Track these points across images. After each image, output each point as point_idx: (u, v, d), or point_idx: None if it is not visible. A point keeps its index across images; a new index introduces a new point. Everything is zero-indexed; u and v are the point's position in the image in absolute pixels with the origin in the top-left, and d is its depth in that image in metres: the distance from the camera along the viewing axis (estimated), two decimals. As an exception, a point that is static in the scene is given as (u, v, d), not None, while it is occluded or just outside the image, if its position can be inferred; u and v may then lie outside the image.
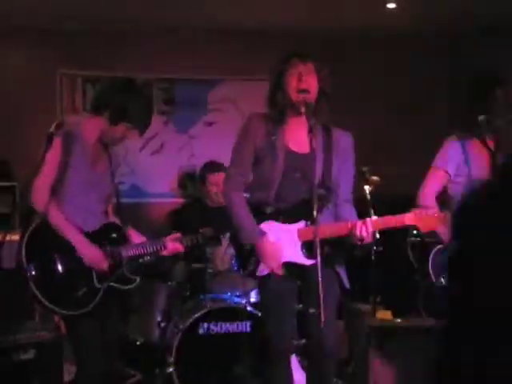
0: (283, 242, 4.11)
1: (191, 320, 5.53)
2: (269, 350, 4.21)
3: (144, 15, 6.99)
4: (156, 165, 7.70)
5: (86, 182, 4.44)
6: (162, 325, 5.80)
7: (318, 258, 3.62)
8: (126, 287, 4.55)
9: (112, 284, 4.46)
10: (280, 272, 4.12)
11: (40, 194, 4.27)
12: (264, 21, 7.14)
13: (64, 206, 4.36)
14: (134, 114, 4.45)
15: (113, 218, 4.70)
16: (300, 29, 7.05)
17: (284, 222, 4.14)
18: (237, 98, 7.77)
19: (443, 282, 4.56)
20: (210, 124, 7.80)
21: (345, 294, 4.36)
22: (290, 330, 4.30)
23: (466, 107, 4.71)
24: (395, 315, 5.88)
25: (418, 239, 4.79)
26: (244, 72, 7.64)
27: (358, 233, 3.94)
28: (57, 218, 4.31)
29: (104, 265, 4.39)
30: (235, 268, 5.69)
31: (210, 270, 5.92)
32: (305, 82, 4.05)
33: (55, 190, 4.33)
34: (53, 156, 4.26)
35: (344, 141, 4.26)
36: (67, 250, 4.32)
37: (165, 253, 4.69)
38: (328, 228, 4.02)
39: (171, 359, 5.47)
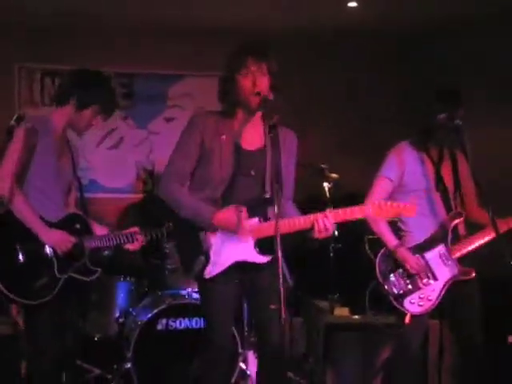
0: (234, 241, 4.04)
1: (150, 316, 5.52)
2: (209, 349, 4.18)
3: (104, 10, 6.93)
4: (114, 160, 7.66)
5: (50, 173, 4.46)
6: (121, 320, 5.77)
7: (279, 253, 3.55)
8: (88, 278, 4.55)
9: (72, 275, 4.46)
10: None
11: (3, 183, 4.25)
12: (223, 18, 7.12)
13: (28, 196, 4.38)
14: (100, 96, 4.52)
15: (74, 210, 4.70)
16: (259, 26, 7.04)
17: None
18: (196, 94, 7.75)
19: (389, 283, 4.61)
20: (170, 120, 7.78)
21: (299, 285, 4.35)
22: (231, 330, 4.39)
23: (421, 109, 4.77)
24: (353, 312, 5.94)
25: (376, 236, 4.82)
26: (203, 68, 7.61)
27: (320, 225, 3.88)
28: (20, 207, 4.31)
29: (68, 245, 4.41)
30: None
31: (168, 266, 5.90)
32: (258, 85, 3.99)
33: (19, 180, 4.34)
34: (16, 146, 4.26)
35: (290, 140, 4.23)
36: (29, 239, 4.33)
37: (130, 247, 4.71)
38: (287, 223, 3.97)
39: (129, 355, 5.45)
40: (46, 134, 4.39)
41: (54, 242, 4.39)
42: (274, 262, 3.85)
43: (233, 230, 4.00)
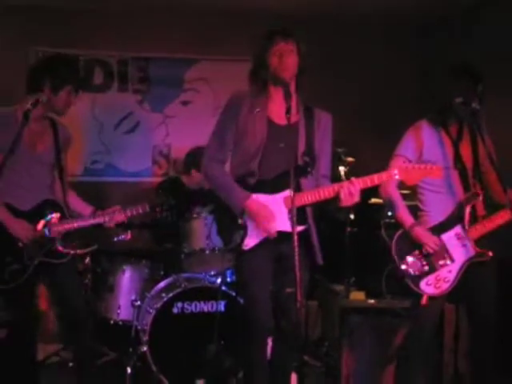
0: (271, 210, 4.18)
1: (165, 299, 5.52)
2: (247, 326, 4.24)
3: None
4: (131, 143, 7.65)
5: (20, 162, 4.60)
6: (136, 304, 5.78)
7: (295, 228, 3.68)
8: (58, 261, 4.75)
9: (43, 259, 4.68)
10: (274, 234, 4.16)
11: None
12: (239, 2, 7.10)
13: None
14: (71, 76, 4.77)
15: (59, 193, 4.87)
16: (273, 9, 7.01)
17: (269, 192, 4.22)
18: (212, 78, 7.73)
19: (406, 265, 4.60)
20: (186, 103, 7.75)
21: (316, 269, 4.41)
22: (269, 308, 4.32)
23: (439, 90, 4.75)
24: (368, 296, 5.93)
25: (393, 220, 4.81)
26: (219, 52, 7.60)
27: (346, 191, 4.04)
28: None
29: (30, 234, 4.64)
30: (210, 247, 5.69)
31: (184, 250, 5.90)
32: (285, 61, 4.19)
33: None
34: None
35: (325, 120, 4.43)
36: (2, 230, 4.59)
37: (110, 224, 4.91)
38: (314, 193, 4.14)
39: (145, 338, 5.47)
40: (8, 126, 4.50)
41: (17, 232, 4.63)
42: (303, 238, 4.11)
43: (261, 225, 4.16)
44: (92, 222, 4.87)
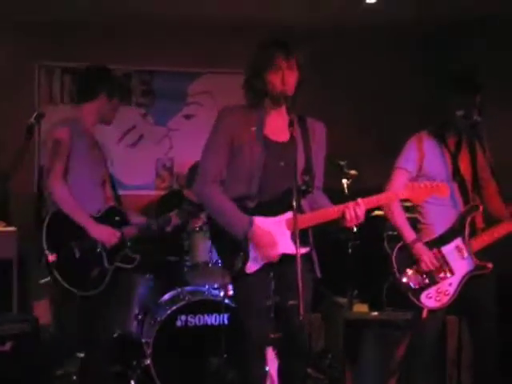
0: (274, 235, 4.05)
1: (169, 312, 5.54)
2: (246, 343, 4.18)
3: (122, 7, 6.96)
4: (134, 157, 7.69)
5: (87, 170, 4.74)
6: (140, 317, 5.80)
7: (298, 249, 3.61)
8: (131, 265, 4.91)
9: (118, 264, 4.80)
10: (276, 259, 4.05)
11: (58, 184, 4.55)
12: (241, 14, 7.13)
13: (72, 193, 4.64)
14: (120, 84, 5.12)
15: (112, 202, 4.99)
16: (276, 22, 7.04)
17: (270, 214, 4.07)
18: (215, 92, 7.76)
19: (406, 278, 4.60)
20: (189, 117, 7.79)
21: (319, 281, 4.32)
22: (267, 324, 4.25)
23: (439, 102, 4.76)
24: (372, 308, 5.93)
25: (396, 233, 4.81)
26: (223, 65, 7.63)
27: (352, 213, 3.95)
28: (69, 205, 4.59)
29: (115, 238, 4.74)
30: (213, 260, 5.71)
31: (187, 263, 5.91)
32: (287, 82, 4.04)
33: (65, 179, 4.62)
34: (64, 146, 4.57)
35: (319, 130, 4.29)
36: (81, 236, 4.64)
37: (169, 229, 5.12)
38: (318, 214, 4.06)
39: (149, 351, 5.48)
40: (79, 133, 4.66)
41: (102, 236, 4.71)
42: (306, 256, 4.04)
43: (263, 252, 4.03)
44: (156, 226, 5.05)
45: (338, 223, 4.05)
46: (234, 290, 4.38)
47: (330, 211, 4.05)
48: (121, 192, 7.45)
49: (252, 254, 4.06)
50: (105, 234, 4.70)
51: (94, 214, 4.74)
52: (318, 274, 4.26)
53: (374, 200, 4.07)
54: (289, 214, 4.00)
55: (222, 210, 4.10)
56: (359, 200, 3.99)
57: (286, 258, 4.04)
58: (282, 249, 4.06)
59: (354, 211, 3.96)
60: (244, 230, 4.00)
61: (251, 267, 4.06)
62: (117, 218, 4.88)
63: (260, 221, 4.04)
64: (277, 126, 4.15)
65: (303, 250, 3.98)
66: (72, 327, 4.81)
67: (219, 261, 5.63)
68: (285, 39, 4.18)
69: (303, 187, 4.08)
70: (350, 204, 3.98)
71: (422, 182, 4.21)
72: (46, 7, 6.85)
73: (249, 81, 4.16)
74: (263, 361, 4.29)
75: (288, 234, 4.04)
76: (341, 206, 4.01)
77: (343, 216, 3.99)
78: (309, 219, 4.04)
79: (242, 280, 4.14)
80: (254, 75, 4.11)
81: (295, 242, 3.83)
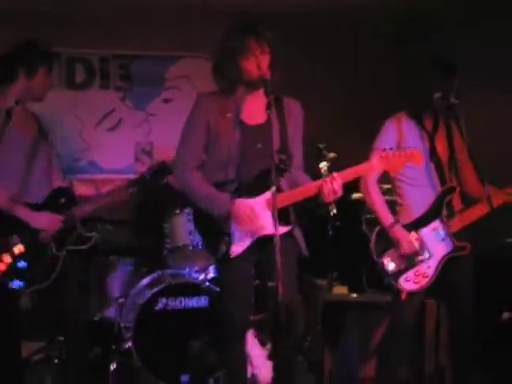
0: (258, 216, 4.09)
1: (149, 295, 5.55)
2: (226, 326, 4.23)
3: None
4: (113, 141, 7.66)
5: (20, 156, 4.58)
6: (120, 301, 5.80)
7: (276, 229, 3.61)
8: (85, 246, 4.73)
9: (70, 247, 4.65)
10: (261, 233, 4.08)
11: None
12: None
13: (5, 185, 4.50)
14: (43, 56, 4.72)
15: (59, 182, 4.81)
16: (255, 5, 7.02)
17: (249, 196, 4.11)
18: (193, 76, 7.74)
19: (384, 261, 4.63)
20: (168, 101, 7.77)
21: (302, 260, 4.35)
22: (249, 307, 4.32)
23: (417, 84, 4.78)
24: (351, 290, 5.97)
25: (373, 216, 4.84)
26: (200, 50, 7.61)
27: (329, 187, 3.96)
28: (2, 200, 4.46)
29: (57, 224, 4.57)
30: (194, 243, 5.71)
31: (167, 246, 5.92)
32: (262, 68, 4.05)
33: None
34: None
35: (295, 109, 4.29)
36: (22, 228, 4.50)
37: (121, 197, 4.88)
38: (296, 192, 4.08)
39: (129, 334, 5.49)
40: (7, 121, 4.38)
41: (42, 225, 4.56)
42: (287, 235, 4.06)
43: (247, 227, 4.07)
44: (107, 199, 4.82)
45: (317, 199, 4.06)
46: (218, 273, 4.41)
47: (308, 187, 4.08)
48: (100, 176, 7.54)
49: (236, 236, 4.10)
50: (44, 222, 4.57)
51: (36, 199, 4.63)
52: (304, 252, 4.29)
53: (350, 172, 4.07)
54: (268, 194, 4.03)
55: (202, 193, 4.15)
56: (335, 174, 4.01)
57: (269, 239, 4.02)
58: (264, 230, 4.09)
59: (332, 185, 3.97)
60: (224, 207, 4.04)
61: (236, 250, 4.10)
62: (62, 200, 4.71)
63: (240, 201, 4.09)
64: (253, 109, 4.17)
65: (284, 229, 4.02)
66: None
67: (200, 244, 5.65)
68: (254, 23, 4.17)
69: (281, 166, 4.08)
70: (327, 179, 4.00)
71: (395, 151, 4.14)
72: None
73: (219, 67, 4.18)
74: (244, 344, 4.33)
75: (269, 214, 4.04)
76: (318, 182, 4.04)
77: (321, 191, 4.01)
78: (287, 197, 4.06)
79: (226, 264, 4.18)
80: (226, 61, 4.12)
81: (280, 221, 3.86)
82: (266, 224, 4.06)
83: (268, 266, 4.03)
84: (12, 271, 4.48)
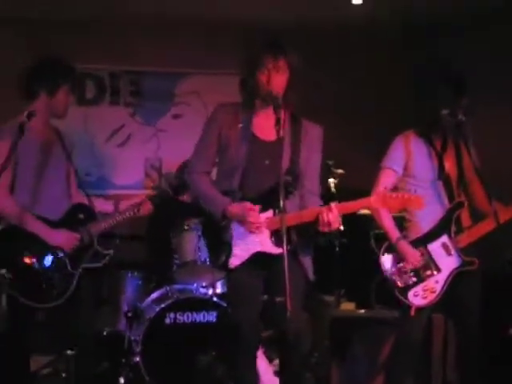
0: (252, 233, 4.11)
1: (158, 310, 5.57)
2: (238, 340, 4.23)
3: (111, 7, 6.97)
4: (122, 157, 7.70)
5: (37, 173, 4.57)
6: (129, 315, 5.83)
7: (285, 247, 3.61)
8: (101, 263, 4.71)
9: (86, 265, 4.63)
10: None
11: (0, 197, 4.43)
12: (229, 14, 7.14)
13: (22, 198, 4.51)
14: (66, 75, 4.72)
15: (78, 198, 4.81)
16: (263, 23, 7.07)
17: None
18: (203, 92, 7.78)
19: (393, 276, 4.64)
20: (177, 117, 7.82)
21: (308, 285, 4.34)
22: (258, 321, 4.32)
23: (427, 101, 4.80)
24: (358, 307, 5.97)
25: (382, 232, 4.86)
26: (210, 66, 7.66)
27: (324, 218, 3.93)
28: (15, 217, 4.46)
29: (74, 242, 4.57)
30: (201, 259, 5.74)
31: (176, 261, 5.95)
32: (272, 83, 4.09)
33: (11, 187, 4.50)
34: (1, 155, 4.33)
35: (312, 132, 4.29)
36: (37, 244, 4.50)
37: (140, 214, 4.89)
38: (294, 216, 4.03)
39: (138, 349, 5.51)
40: (19, 136, 4.32)
41: (59, 243, 4.56)
42: (291, 254, 3.98)
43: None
44: (126, 215, 4.82)
45: (315, 226, 4.02)
46: (226, 283, 4.46)
47: (305, 214, 4.06)
48: (110, 191, 7.57)
49: (234, 249, 4.14)
50: (61, 239, 4.56)
51: (54, 216, 4.61)
52: (310, 276, 4.28)
53: (348, 206, 4.03)
54: (268, 213, 4.09)
55: (206, 194, 4.24)
56: (332, 205, 3.97)
57: (268, 257, 4.11)
58: (261, 247, 4.12)
59: (327, 217, 3.93)
60: (223, 208, 4.10)
61: (233, 262, 4.14)
62: (80, 216, 4.71)
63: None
64: (265, 124, 4.19)
65: (280, 250, 3.94)
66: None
67: (208, 259, 5.69)
68: (275, 40, 4.22)
69: (287, 187, 4.02)
70: (324, 208, 3.97)
71: (394, 193, 4.09)
72: (33, 6, 6.85)
73: (242, 80, 4.23)
74: (254, 359, 4.35)
75: (267, 232, 4.10)
76: (315, 210, 4.01)
77: (318, 220, 3.98)
78: (286, 220, 3.90)
79: (230, 275, 4.25)
80: (247, 75, 4.18)
81: (275, 241, 4.04)
82: (263, 241, 4.11)
83: (274, 282, 4.09)
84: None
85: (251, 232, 4.10)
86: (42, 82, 4.66)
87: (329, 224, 3.94)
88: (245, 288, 4.22)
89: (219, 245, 4.17)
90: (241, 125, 4.20)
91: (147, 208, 4.88)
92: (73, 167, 4.84)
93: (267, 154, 4.13)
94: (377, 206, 4.07)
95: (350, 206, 4.04)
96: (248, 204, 4.09)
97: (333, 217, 3.93)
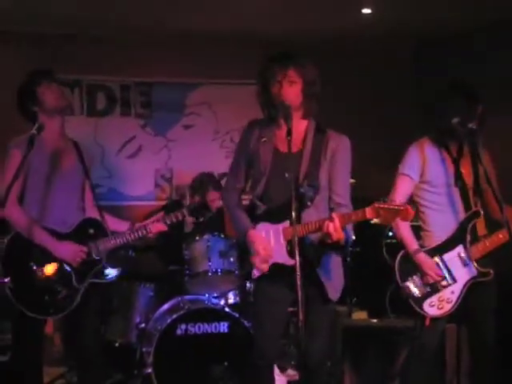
0: (272, 243, 4.11)
1: (169, 321, 5.55)
2: (254, 352, 4.22)
3: (122, 20, 7.00)
4: (133, 168, 7.73)
5: (48, 184, 4.53)
6: (141, 326, 5.83)
7: (297, 258, 3.61)
8: (107, 280, 4.65)
9: (92, 280, 4.57)
10: (265, 268, 4.09)
11: (10, 206, 4.37)
12: (239, 25, 7.16)
13: (31, 210, 4.49)
14: (36, 75, 4.63)
15: (92, 213, 4.74)
16: (274, 33, 7.09)
17: (273, 221, 4.13)
18: (213, 102, 7.80)
19: (409, 286, 4.62)
20: (188, 127, 7.83)
21: (324, 303, 4.23)
22: (278, 333, 4.29)
23: (435, 111, 4.78)
24: (371, 316, 5.96)
25: (394, 241, 4.84)
26: (220, 76, 7.68)
27: (324, 229, 3.89)
28: (24, 227, 4.44)
29: (80, 256, 4.51)
30: (213, 269, 5.74)
31: (187, 272, 5.94)
32: (283, 94, 4.08)
33: (21, 197, 4.48)
34: (13, 165, 4.34)
35: (337, 144, 4.21)
36: (43, 256, 4.46)
37: (150, 235, 4.77)
38: (303, 227, 4.02)
39: (150, 360, 5.50)
40: (29, 149, 4.30)
41: (65, 255, 4.50)
42: (307, 267, 3.93)
43: (252, 257, 4.11)
44: (135, 235, 4.71)
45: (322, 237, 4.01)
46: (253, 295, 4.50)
47: (311, 225, 4.02)
48: (121, 203, 7.58)
49: (256, 260, 4.13)
50: (68, 253, 4.49)
51: (64, 229, 4.56)
52: (331, 296, 4.21)
53: (346, 217, 3.95)
54: (286, 224, 4.08)
55: (232, 215, 4.34)
56: (334, 215, 3.91)
57: (287, 268, 4.02)
58: (276, 258, 4.10)
59: (328, 227, 3.88)
60: (244, 232, 4.14)
61: (255, 273, 4.14)
62: (91, 231, 4.64)
63: (262, 226, 4.16)
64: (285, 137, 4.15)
65: (293, 261, 3.84)
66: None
67: (219, 270, 5.71)
68: (284, 52, 4.21)
69: (303, 199, 4.04)
70: (326, 219, 3.92)
71: (386, 204, 3.94)
72: (45, 19, 6.88)
73: (259, 96, 4.25)
74: (269, 373, 4.31)
75: (283, 243, 4.10)
76: (320, 221, 3.98)
77: (322, 231, 3.95)
78: (299, 231, 3.94)
79: (255, 285, 4.34)
80: (262, 89, 4.20)
81: (290, 252, 4.01)
82: (279, 252, 4.10)
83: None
84: None
85: (277, 239, 4.11)
86: (26, 102, 4.60)
87: (330, 235, 3.89)
88: (267, 300, 4.21)
89: (245, 254, 4.18)
90: (264, 139, 4.22)
91: (159, 227, 4.81)
92: (89, 181, 4.77)
93: (287, 166, 4.03)
94: (371, 217, 3.96)
95: (348, 216, 3.98)
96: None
97: (333, 227, 3.88)
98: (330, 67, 7.65)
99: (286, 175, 4.04)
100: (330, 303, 4.24)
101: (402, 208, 3.88)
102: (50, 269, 4.47)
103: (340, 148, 4.22)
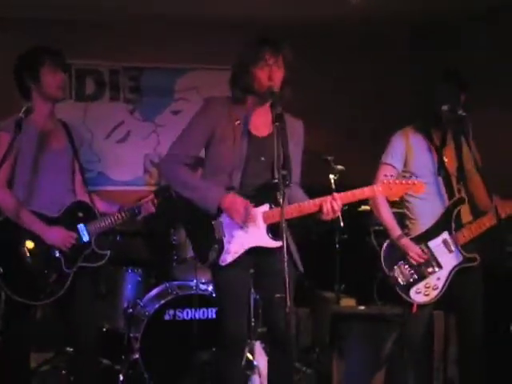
0: (246, 228, 4.10)
1: (157, 306, 5.56)
2: (224, 338, 4.23)
3: (110, 4, 6.96)
4: (122, 153, 7.70)
5: (36, 167, 4.49)
6: (129, 311, 5.82)
7: (284, 241, 3.56)
8: (96, 264, 4.62)
9: (81, 264, 4.54)
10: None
11: None
12: (228, 11, 7.14)
13: (19, 193, 4.46)
14: (41, 55, 4.55)
15: (81, 195, 4.72)
16: (262, 20, 7.06)
17: None
18: (202, 87, 7.76)
19: (395, 274, 4.63)
20: (177, 113, 7.81)
21: (306, 276, 4.37)
22: (245, 319, 4.33)
23: (425, 98, 4.79)
24: (359, 303, 5.97)
25: (382, 228, 4.85)
26: (210, 62, 7.65)
27: (328, 207, 3.98)
28: (12, 211, 4.40)
29: (70, 240, 4.48)
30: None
31: (175, 257, 5.94)
32: (273, 79, 4.07)
33: (10, 181, 4.46)
34: (1, 148, 4.30)
35: (298, 127, 4.33)
36: (32, 240, 4.44)
37: (139, 218, 4.75)
38: (294, 208, 4.06)
39: (137, 345, 5.50)
40: (17, 132, 4.24)
41: (55, 240, 4.47)
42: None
43: (236, 219, 4.06)
44: (124, 217, 4.67)
45: (315, 217, 4.08)
46: (213, 281, 4.41)
47: (308, 205, 4.07)
48: (110, 188, 7.56)
49: (226, 244, 4.11)
50: (57, 238, 4.45)
51: (53, 213, 4.52)
52: (301, 269, 4.27)
53: (351, 194, 4.07)
54: (265, 207, 4.10)
55: (194, 185, 4.17)
56: (335, 194, 4.02)
57: (263, 252, 4.10)
58: (255, 242, 4.11)
59: (331, 205, 4.00)
60: (218, 199, 4.04)
61: (226, 258, 4.11)
62: (80, 214, 4.60)
63: (235, 195, 4.10)
64: (260, 121, 4.19)
65: (278, 243, 3.93)
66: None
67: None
68: (273, 37, 4.19)
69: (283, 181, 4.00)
70: (328, 198, 4.02)
71: (397, 179, 4.21)
72: (34, 4, 6.83)
73: (236, 76, 4.19)
74: (239, 357, 4.34)
75: (263, 226, 4.10)
76: (318, 200, 4.04)
77: (320, 209, 4.03)
78: (286, 212, 3.95)
79: (219, 273, 4.19)
80: (242, 71, 4.13)
81: (272, 235, 4.04)
82: (258, 235, 4.10)
83: (266, 277, 4.16)
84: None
85: (245, 226, 4.09)
86: (24, 74, 4.54)
87: (333, 212, 4.00)
88: (236, 286, 4.19)
89: (208, 242, 4.11)
90: (238, 122, 4.15)
91: (148, 209, 4.78)
92: (79, 163, 4.73)
93: (262, 150, 4.12)
94: (381, 193, 4.14)
95: (354, 194, 4.08)
96: (245, 203, 4.06)
97: (336, 205, 4.00)
98: (319, 54, 7.73)
99: (263, 159, 4.10)
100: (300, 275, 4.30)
101: (416, 182, 4.19)
102: (30, 244, 4.44)
103: (300, 132, 4.35)
